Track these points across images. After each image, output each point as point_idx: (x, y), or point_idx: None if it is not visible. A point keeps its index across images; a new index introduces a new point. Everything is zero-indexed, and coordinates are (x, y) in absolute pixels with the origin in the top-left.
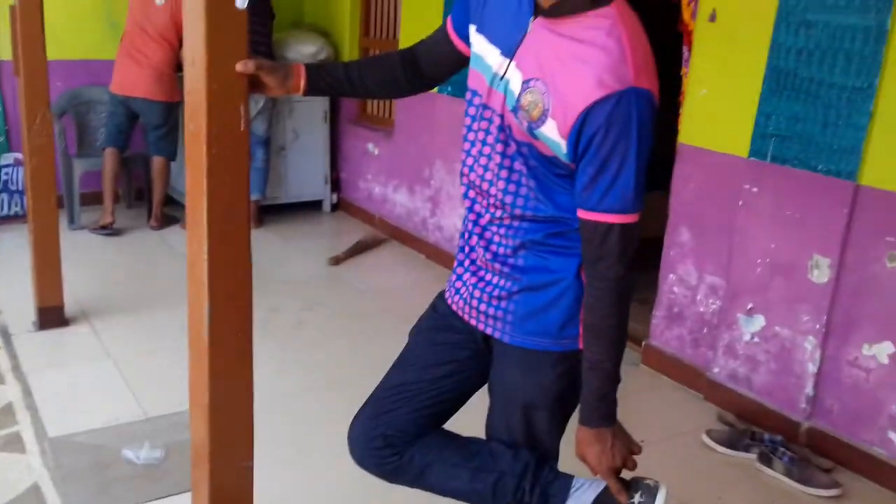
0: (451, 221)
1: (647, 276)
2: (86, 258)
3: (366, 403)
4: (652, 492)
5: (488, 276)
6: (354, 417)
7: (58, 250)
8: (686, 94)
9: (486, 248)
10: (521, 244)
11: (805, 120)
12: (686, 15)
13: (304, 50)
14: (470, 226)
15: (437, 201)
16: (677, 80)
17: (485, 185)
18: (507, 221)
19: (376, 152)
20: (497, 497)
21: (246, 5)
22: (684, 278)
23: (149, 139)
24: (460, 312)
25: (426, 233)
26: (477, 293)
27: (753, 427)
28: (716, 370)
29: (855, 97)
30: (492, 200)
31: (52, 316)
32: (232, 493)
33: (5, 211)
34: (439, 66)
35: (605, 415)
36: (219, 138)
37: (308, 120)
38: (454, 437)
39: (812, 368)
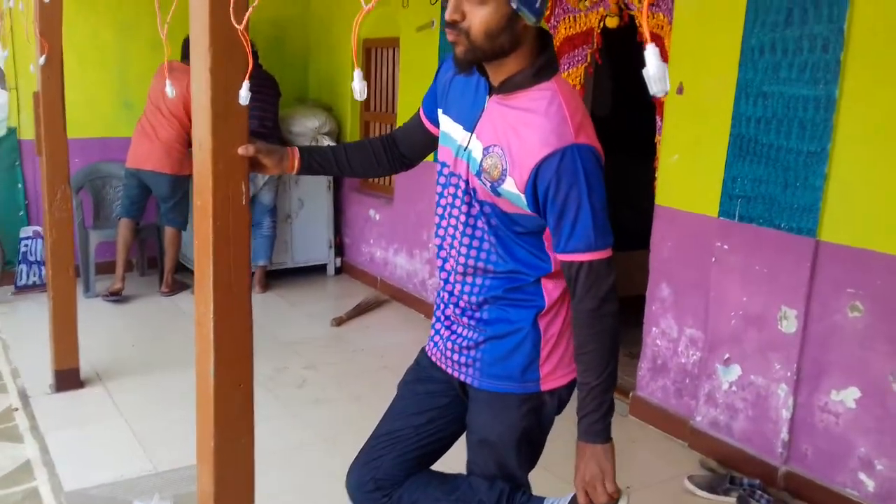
0: None
1: (635, 330)
2: (100, 324)
3: (360, 451)
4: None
5: (458, 329)
6: (352, 464)
7: (75, 317)
8: (659, 160)
9: (456, 304)
10: (484, 300)
11: (767, 182)
12: None
13: (308, 124)
14: (442, 283)
15: (435, 263)
16: (654, 147)
17: (454, 244)
18: (470, 279)
19: (377, 218)
20: None
21: (248, 102)
22: (666, 331)
23: (161, 210)
24: (438, 363)
25: (425, 293)
26: (450, 344)
27: (734, 472)
28: (698, 418)
29: (810, 160)
30: (460, 259)
31: (68, 378)
32: None
33: (24, 280)
34: (415, 147)
35: (602, 430)
36: (223, 212)
37: (313, 189)
38: (437, 475)
39: (786, 414)
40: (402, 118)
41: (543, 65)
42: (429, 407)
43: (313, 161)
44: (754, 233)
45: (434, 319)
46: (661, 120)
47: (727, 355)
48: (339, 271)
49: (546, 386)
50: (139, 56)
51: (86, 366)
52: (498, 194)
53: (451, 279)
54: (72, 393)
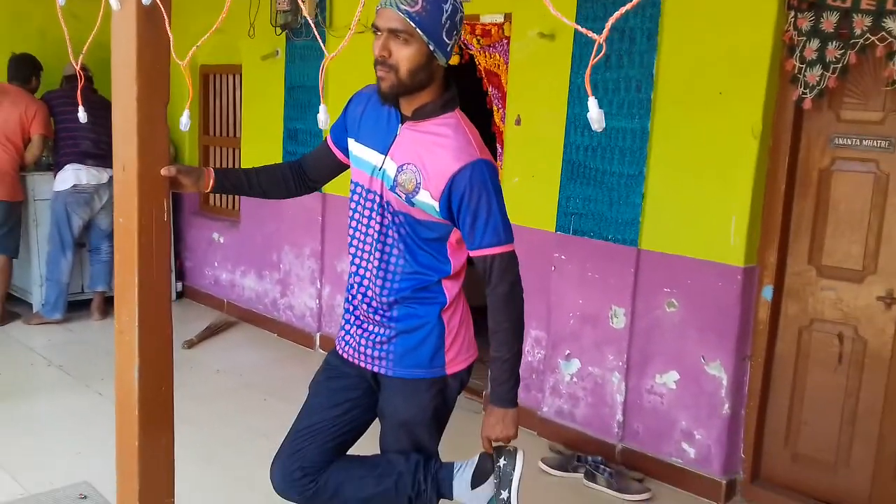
0: (301, 300)
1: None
2: None
3: (282, 446)
4: (512, 455)
5: (370, 327)
6: (274, 459)
7: None
8: (502, 183)
9: (369, 305)
10: (395, 300)
11: (596, 200)
12: (497, 119)
13: None
14: (354, 289)
15: (287, 283)
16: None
17: (367, 250)
18: (380, 281)
19: (222, 240)
20: (399, 492)
21: (188, 129)
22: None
23: None
24: (351, 359)
25: (277, 313)
26: (363, 341)
27: (579, 452)
28: (545, 409)
29: (630, 182)
30: (373, 262)
31: None
32: None
33: None
34: (322, 172)
35: (512, 397)
36: (146, 229)
37: None
38: (357, 457)
39: (620, 399)
40: (246, 142)
41: (449, 98)
42: (344, 399)
43: (226, 181)
44: (587, 244)
45: (343, 322)
46: (502, 148)
47: (568, 351)
48: (180, 295)
49: (450, 370)
50: None
51: None
52: (412, 204)
53: (365, 283)
54: None
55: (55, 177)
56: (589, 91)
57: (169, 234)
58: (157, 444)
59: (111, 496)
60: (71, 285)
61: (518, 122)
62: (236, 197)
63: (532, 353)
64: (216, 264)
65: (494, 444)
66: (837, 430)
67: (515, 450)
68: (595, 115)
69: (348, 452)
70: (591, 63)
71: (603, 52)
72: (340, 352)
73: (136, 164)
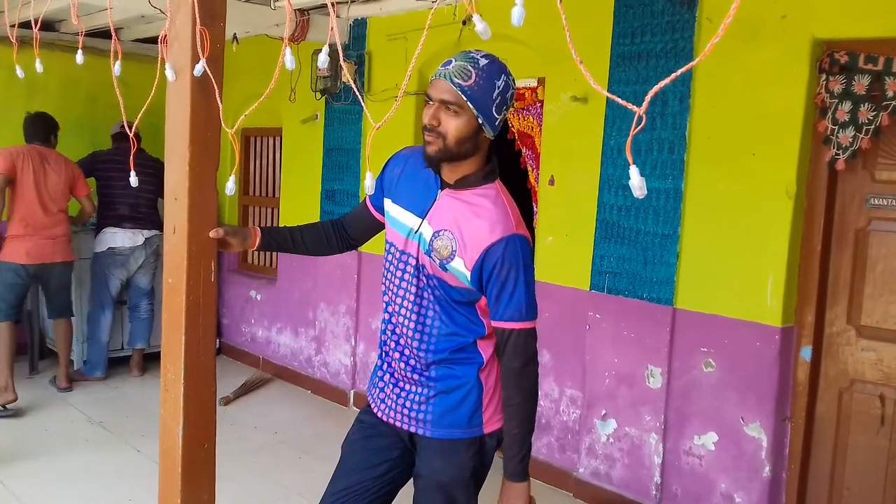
0: (335, 358)
1: None
2: None
3: None
4: None
5: (408, 386)
6: None
7: None
8: (536, 241)
9: (406, 363)
10: (432, 361)
11: (630, 259)
12: (531, 179)
13: None
14: (390, 347)
15: (322, 340)
16: (532, 230)
17: (403, 313)
18: (417, 343)
19: (259, 298)
20: None
21: (233, 193)
22: (549, 393)
23: (53, 304)
24: (386, 419)
25: (312, 370)
26: (400, 401)
27: None
28: (581, 470)
29: (665, 241)
30: (409, 325)
31: None
32: None
33: None
34: (361, 230)
35: (522, 471)
36: (194, 289)
37: None
38: None
39: (657, 460)
40: (285, 202)
41: (491, 170)
42: (382, 460)
43: (271, 239)
44: (621, 303)
45: (377, 380)
46: (537, 206)
47: (604, 411)
48: (217, 352)
49: (488, 429)
50: (12, 141)
51: None
52: (445, 270)
53: (402, 342)
54: None
55: (95, 238)
56: (630, 160)
57: (215, 294)
58: (198, 501)
59: None
60: (111, 342)
61: (552, 182)
62: (274, 255)
63: (567, 412)
64: (253, 321)
65: None
66: (881, 495)
67: None
68: (637, 182)
69: None
70: (631, 133)
71: (643, 123)
72: (375, 410)
73: (186, 226)
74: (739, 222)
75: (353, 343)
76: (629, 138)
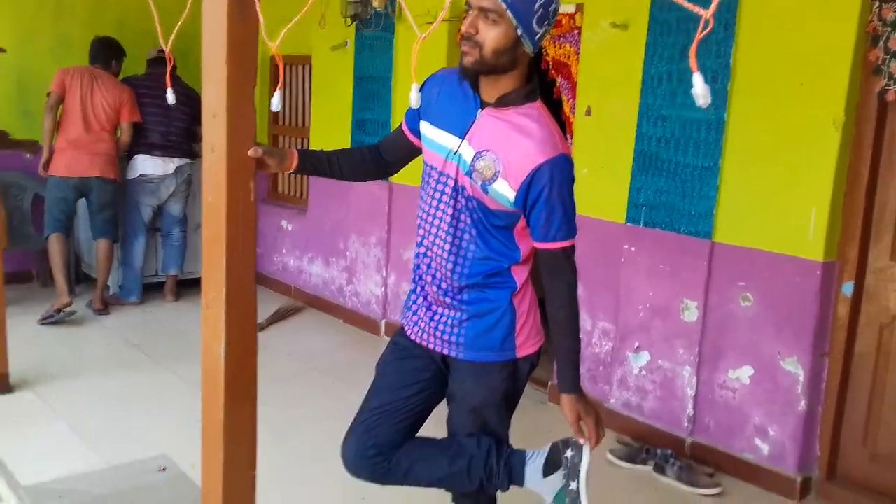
0: (366, 288)
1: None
2: (19, 335)
3: (353, 424)
4: (580, 447)
5: (441, 310)
6: (346, 437)
7: (3, 320)
8: None
9: (439, 287)
10: (465, 285)
11: (668, 192)
12: (567, 109)
13: None
14: (424, 271)
15: (353, 270)
16: None
17: (439, 235)
18: (452, 265)
19: (290, 228)
20: (471, 474)
21: (279, 108)
22: (581, 325)
23: (95, 222)
24: (420, 341)
25: (343, 299)
26: (434, 324)
27: (647, 445)
28: (612, 401)
29: (704, 174)
30: (445, 246)
31: None
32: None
33: None
34: (397, 155)
35: (579, 383)
36: (234, 208)
37: None
38: (429, 439)
39: (690, 392)
40: (315, 131)
41: (533, 89)
42: (415, 380)
43: (308, 162)
44: (658, 236)
45: (411, 304)
46: (572, 138)
47: (637, 344)
48: None
49: (521, 353)
50: (39, 64)
51: (12, 373)
52: (486, 192)
53: (434, 266)
54: (1, 398)
55: (127, 165)
56: (694, 67)
57: (255, 214)
58: (241, 417)
59: (187, 470)
60: (145, 268)
61: (588, 112)
62: (305, 185)
63: (599, 345)
64: (284, 251)
65: (563, 438)
66: None
67: (584, 443)
68: (700, 90)
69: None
70: (697, 38)
71: (710, 27)
72: (409, 333)
73: (224, 144)
74: (783, 154)
75: (384, 274)
76: (694, 43)
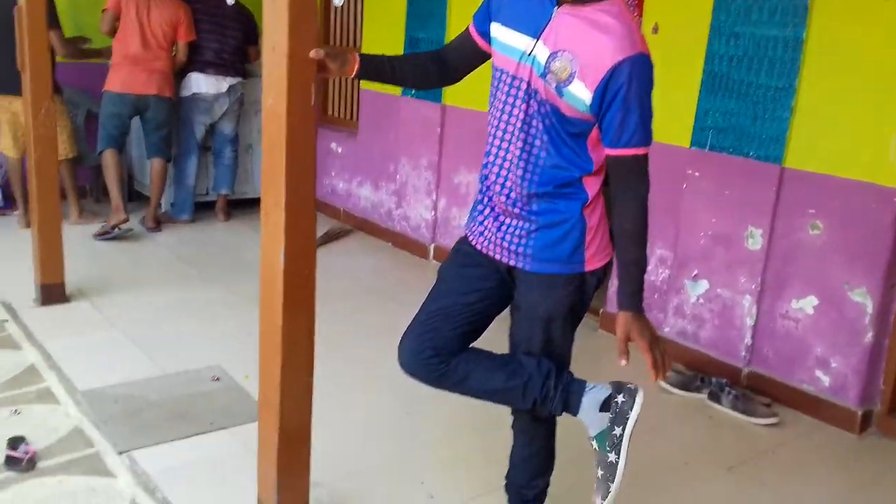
0: (416, 212)
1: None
2: (74, 247)
3: (412, 325)
4: (633, 393)
5: (508, 220)
6: (403, 337)
7: (60, 231)
8: None
9: (508, 197)
10: (535, 193)
11: (738, 114)
12: None
13: None
14: (492, 180)
15: (403, 194)
16: None
17: (509, 140)
18: (522, 172)
19: (340, 151)
20: (526, 394)
21: (342, 4)
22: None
23: (150, 140)
24: (485, 251)
25: (392, 223)
26: (500, 234)
27: (701, 374)
28: (666, 329)
29: (778, 95)
30: (515, 152)
31: (53, 293)
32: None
33: None
34: (462, 60)
35: (639, 301)
36: (294, 110)
37: None
38: (487, 352)
39: (750, 322)
40: (367, 51)
41: None
42: (478, 288)
43: (370, 67)
44: (724, 161)
45: (477, 214)
46: None
47: (695, 272)
48: None
49: (589, 267)
50: None
51: (67, 284)
52: (561, 95)
53: (504, 173)
54: (59, 306)
55: (181, 83)
56: None
57: (314, 118)
58: (299, 323)
59: (241, 380)
60: (197, 187)
61: (655, 30)
62: (355, 108)
63: (656, 272)
64: (333, 174)
65: (615, 381)
66: None
67: (637, 389)
68: None
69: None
70: None
71: None
72: (474, 242)
73: (286, 45)
74: (864, 75)
75: (434, 198)
76: None
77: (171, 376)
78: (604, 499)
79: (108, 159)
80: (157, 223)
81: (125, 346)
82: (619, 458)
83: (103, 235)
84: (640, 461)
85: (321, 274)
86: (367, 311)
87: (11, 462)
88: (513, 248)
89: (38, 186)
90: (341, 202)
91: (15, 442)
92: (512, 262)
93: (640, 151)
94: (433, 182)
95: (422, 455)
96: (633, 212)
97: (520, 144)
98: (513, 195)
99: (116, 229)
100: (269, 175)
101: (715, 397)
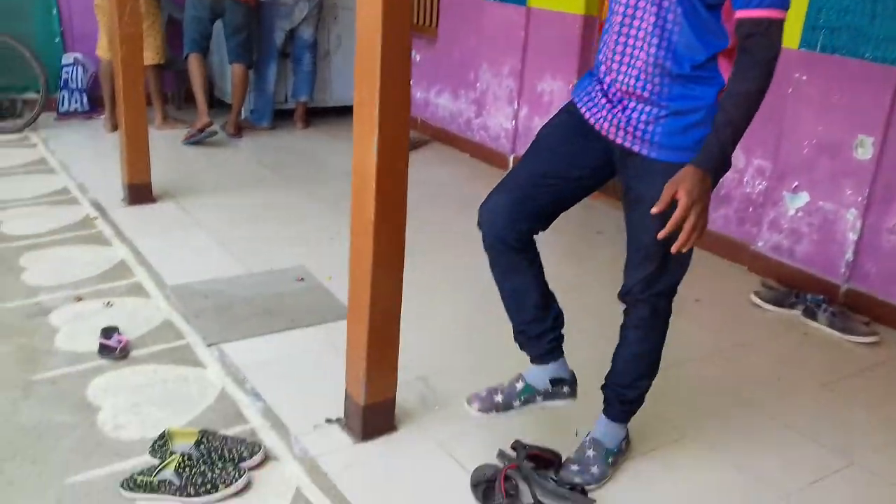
0: (496, 121)
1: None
2: (159, 151)
3: (505, 187)
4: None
5: (634, 103)
6: (491, 197)
7: (146, 129)
8: None
9: (637, 79)
10: (668, 74)
11: (854, 12)
12: None
13: None
14: (617, 60)
15: (483, 103)
16: None
17: (640, 15)
18: (654, 49)
19: (418, 59)
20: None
21: None
22: (733, 163)
23: (230, 45)
24: (598, 127)
25: (471, 133)
26: (624, 117)
27: (796, 290)
28: (760, 244)
29: None
30: (645, 31)
31: (140, 192)
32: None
33: (66, 107)
34: None
35: (716, 165)
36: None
37: (351, 26)
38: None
39: (853, 237)
40: None
41: None
42: (586, 164)
43: None
44: (836, 63)
45: (595, 95)
46: None
47: (796, 183)
48: None
49: None
50: None
51: (153, 186)
52: None
53: (631, 52)
54: (146, 206)
55: None
56: None
57: (411, 11)
58: (390, 218)
59: (323, 281)
60: (276, 95)
61: None
62: (435, 14)
63: (752, 184)
64: (412, 83)
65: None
66: None
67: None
68: None
69: None
70: None
71: None
72: (586, 115)
73: None
74: None
75: (516, 106)
76: None
77: (256, 275)
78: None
79: (193, 64)
80: (238, 130)
81: (211, 246)
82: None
83: (190, 139)
84: (731, 375)
85: None
86: (443, 219)
87: (105, 350)
88: (638, 133)
89: (125, 84)
90: (419, 111)
91: (108, 331)
92: (636, 148)
93: (774, 14)
94: (515, 90)
95: (507, 356)
96: (754, 75)
97: (651, 20)
98: (643, 77)
99: (202, 133)
100: (363, 65)
101: (810, 314)
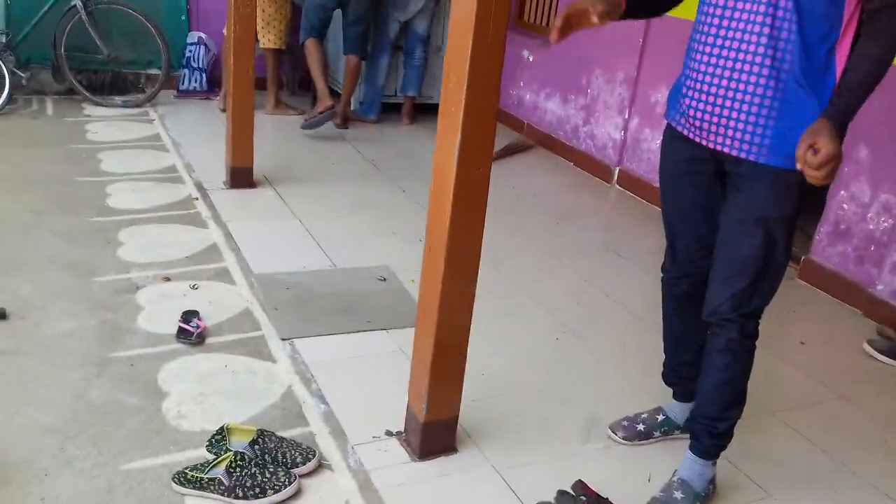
0: (604, 130)
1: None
2: (263, 137)
3: (672, 253)
4: None
5: (739, 105)
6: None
7: (252, 115)
8: None
9: (739, 80)
10: (778, 73)
11: None
12: None
13: None
14: (719, 63)
15: (592, 110)
16: None
17: (749, 8)
18: (766, 41)
19: (531, 59)
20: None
21: None
22: (856, 195)
23: (347, 36)
24: (699, 139)
25: (577, 141)
26: (730, 122)
27: None
28: (879, 287)
29: None
30: (755, 29)
31: (241, 176)
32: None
33: (186, 85)
34: None
35: (844, 118)
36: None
37: None
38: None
39: None
40: None
41: None
42: (708, 204)
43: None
44: None
45: (692, 101)
46: None
47: None
48: None
49: None
50: None
51: (255, 170)
52: None
53: (738, 46)
54: (245, 190)
55: None
56: None
57: (508, 10)
58: (466, 225)
59: (406, 283)
60: (385, 88)
61: None
62: (553, 12)
63: (876, 220)
64: (522, 84)
65: None
66: None
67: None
68: None
69: None
70: None
71: None
72: (684, 132)
73: None
74: None
75: (626, 116)
76: None
77: (340, 271)
78: None
79: (312, 48)
80: (345, 120)
81: (302, 236)
82: None
83: (310, 120)
84: (830, 432)
85: (493, 186)
86: (536, 228)
87: (182, 334)
88: (747, 137)
89: (235, 66)
90: (526, 115)
91: (189, 315)
92: (743, 155)
93: None
94: (627, 98)
95: (582, 382)
96: (888, 36)
97: (759, 19)
98: (752, 78)
99: (323, 114)
100: (453, 57)
101: None
